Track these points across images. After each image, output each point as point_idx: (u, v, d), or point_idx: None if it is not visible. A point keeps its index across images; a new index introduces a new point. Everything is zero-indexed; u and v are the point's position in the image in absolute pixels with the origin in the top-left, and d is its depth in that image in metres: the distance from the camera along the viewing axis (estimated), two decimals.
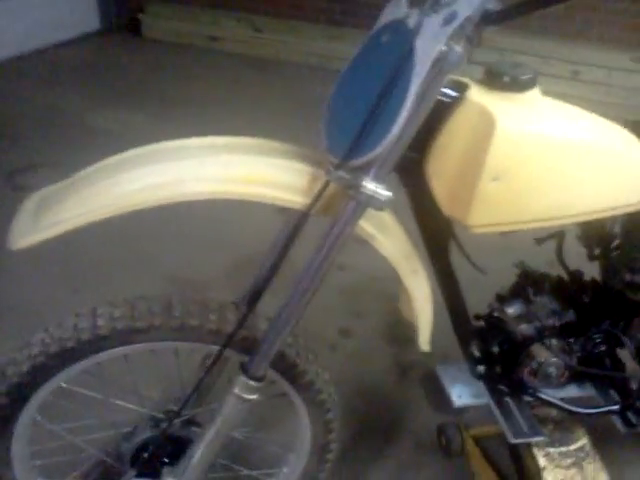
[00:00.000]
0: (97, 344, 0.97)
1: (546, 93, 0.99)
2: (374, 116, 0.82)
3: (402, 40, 0.83)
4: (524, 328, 1.21)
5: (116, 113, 3.50)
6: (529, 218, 0.95)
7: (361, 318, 2.08)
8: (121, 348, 0.99)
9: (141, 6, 4.72)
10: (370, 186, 0.83)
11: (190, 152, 0.88)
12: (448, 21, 0.76)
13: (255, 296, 1.13)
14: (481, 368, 1.24)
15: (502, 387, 1.26)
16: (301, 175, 0.91)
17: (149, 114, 3.47)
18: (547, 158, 0.91)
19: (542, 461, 1.25)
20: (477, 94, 0.90)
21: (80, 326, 0.96)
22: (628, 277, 1.14)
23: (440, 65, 0.78)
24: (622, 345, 1.20)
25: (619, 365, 1.26)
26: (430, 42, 0.78)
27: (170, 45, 4.63)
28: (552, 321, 1.21)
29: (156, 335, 0.99)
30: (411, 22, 0.83)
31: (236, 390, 0.98)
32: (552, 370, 1.17)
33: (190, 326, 0.99)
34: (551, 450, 1.28)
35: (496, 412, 1.24)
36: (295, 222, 0.91)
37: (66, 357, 0.96)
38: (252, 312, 1.00)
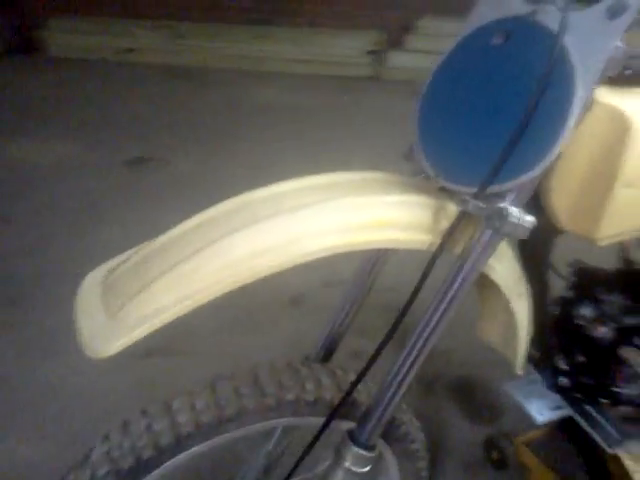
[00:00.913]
0: (179, 446, 0.78)
1: None
2: (519, 133, 0.68)
3: (535, 41, 0.71)
4: (606, 331, 1.13)
5: (28, 142, 3.15)
6: None
7: (366, 337, 1.96)
8: (206, 443, 0.80)
9: (42, 22, 4.31)
10: (515, 213, 0.70)
11: (291, 200, 0.71)
12: (616, 14, 0.64)
13: (330, 351, 0.99)
14: (564, 380, 1.15)
15: (580, 395, 1.18)
16: (426, 210, 0.76)
17: (67, 141, 3.15)
18: None
19: (630, 464, 1.18)
20: (599, 93, 0.78)
21: (155, 428, 0.77)
22: None
23: (612, 65, 0.66)
24: None
25: None
26: (592, 40, 0.66)
27: (79, 62, 4.27)
28: (630, 319, 1.14)
29: (248, 420, 0.81)
30: (545, 18, 0.71)
31: (347, 463, 0.83)
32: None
33: (286, 402, 0.83)
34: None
35: (583, 423, 1.16)
36: (427, 264, 0.76)
37: (140, 469, 0.77)
38: (363, 376, 0.84)
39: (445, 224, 0.75)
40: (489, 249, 0.74)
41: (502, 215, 0.70)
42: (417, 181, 0.82)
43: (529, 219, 0.71)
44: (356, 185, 0.78)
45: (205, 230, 0.69)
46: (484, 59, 0.77)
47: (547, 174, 0.81)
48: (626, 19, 0.64)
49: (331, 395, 0.86)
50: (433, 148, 0.80)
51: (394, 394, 0.82)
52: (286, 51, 3.95)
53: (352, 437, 0.84)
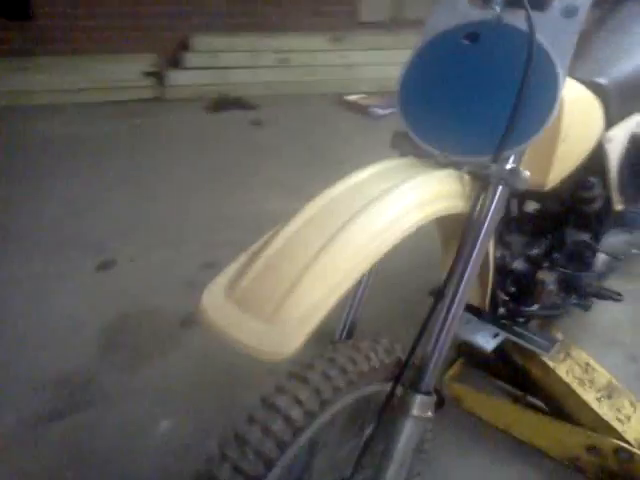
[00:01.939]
0: (295, 437, 0.81)
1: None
2: (517, 110, 0.89)
3: (508, 39, 0.92)
4: (520, 263, 1.41)
5: None
6: None
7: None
8: (311, 429, 0.84)
9: None
10: (519, 169, 0.91)
11: (371, 189, 0.82)
12: (571, 13, 0.87)
13: (351, 330, 1.09)
14: (502, 309, 1.40)
15: (516, 319, 1.44)
16: (452, 181, 0.93)
17: None
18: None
19: (550, 363, 1.48)
20: None
21: (274, 428, 0.79)
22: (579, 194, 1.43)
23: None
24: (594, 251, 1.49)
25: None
26: (556, 35, 0.89)
27: None
28: (533, 250, 1.44)
29: (340, 397, 0.88)
30: (514, 21, 0.93)
31: (415, 412, 0.94)
32: (554, 287, 1.40)
33: (362, 374, 0.91)
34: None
35: (519, 341, 1.42)
36: (466, 227, 0.92)
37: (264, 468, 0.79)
38: (417, 343, 0.96)
39: (464, 189, 0.92)
40: (502, 201, 0.93)
41: (515, 173, 0.90)
42: (421, 161, 0.98)
43: (527, 173, 0.92)
44: (401, 169, 0.91)
45: (317, 226, 0.77)
46: (460, 56, 0.97)
47: None
48: (580, 18, 0.88)
49: (382, 363, 0.96)
50: (429, 133, 0.96)
51: (443, 343, 0.95)
52: (54, 82, 3.69)
53: (415, 388, 0.95)
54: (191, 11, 3.97)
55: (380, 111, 3.80)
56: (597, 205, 1.43)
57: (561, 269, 1.40)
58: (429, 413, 0.97)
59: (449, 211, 0.89)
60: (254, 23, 4.01)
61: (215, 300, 0.74)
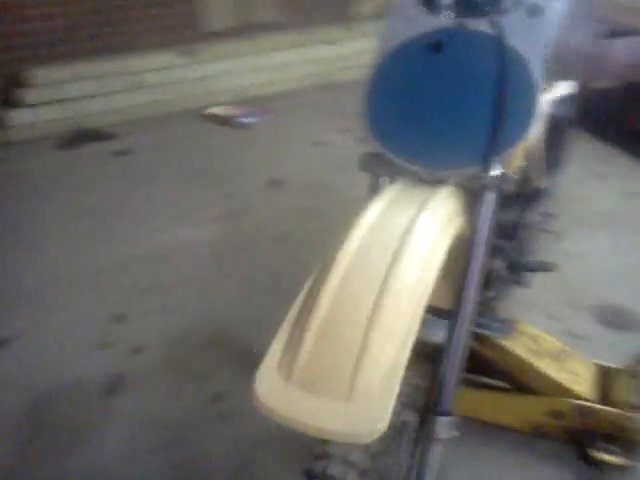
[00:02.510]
0: None
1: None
2: (501, 115, 0.87)
3: (475, 44, 0.90)
4: None
5: None
6: None
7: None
8: None
9: None
10: (507, 174, 0.90)
11: (392, 227, 0.81)
12: (535, 12, 0.86)
13: None
14: None
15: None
16: (455, 196, 0.90)
17: None
18: None
19: (506, 343, 1.52)
20: None
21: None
22: None
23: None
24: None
25: None
26: (527, 36, 0.87)
27: None
28: None
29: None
30: (479, 26, 0.91)
31: (438, 434, 0.92)
32: (504, 272, 1.44)
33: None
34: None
35: (481, 330, 1.45)
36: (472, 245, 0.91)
37: None
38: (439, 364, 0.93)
39: (461, 203, 0.90)
40: (495, 207, 0.92)
41: (505, 178, 0.89)
42: (411, 182, 0.93)
43: (514, 176, 0.93)
44: (406, 197, 0.87)
45: (360, 278, 0.71)
46: (425, 67, 0.94)
47: None
48: (549, 19, 0.87)
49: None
50: (406, 150, 0.93)
51: (457, 361, 0.93)
52: None
53: (435, 411, 0.92)
54: (19, 43, 3.60)
55: (245, 120, 3.73)
56: (527, 185, 1.49)
57: (504, 253, 1.44)
58: (453, 432, 0.95)
59: (462, 229, 0.87)
60: (98, 47, 3.73)
61: (272, 387, 0.65)
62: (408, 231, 0.77)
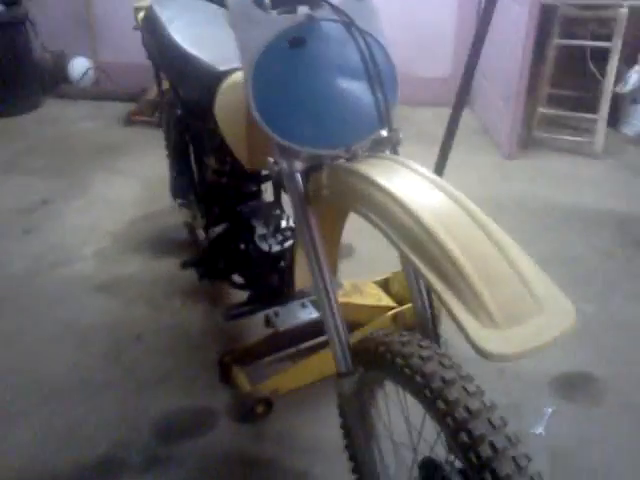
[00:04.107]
0: None
1: None
2: (377, 87, 1.03)
3: (339, 31, 1.01)
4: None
5: None
6: None
7: None
8: None
9: None
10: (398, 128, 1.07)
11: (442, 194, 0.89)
12: None
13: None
14: None
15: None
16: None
17: None
18: None
19: None
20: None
21: None
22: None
23: None
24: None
25: None
26: (362, 17, 1.03)
27: None
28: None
29: None
30: (325, 15, 1.01)
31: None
32: None
33: None
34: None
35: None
36: None
37: None
38: None
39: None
40: None
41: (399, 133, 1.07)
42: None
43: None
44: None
45: (463, 232, 0.82)
46: (299, 62, 1.00)
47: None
48: None
49: None
50: (317, 128, 1.02)
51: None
52: None
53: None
54: None
55: None
56: None
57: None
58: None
59: None
60: None
61: (494, 340, 0.71)
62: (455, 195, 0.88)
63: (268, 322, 1.65)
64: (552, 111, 3.68)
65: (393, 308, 1.84)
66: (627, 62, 3.56)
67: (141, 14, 1.92)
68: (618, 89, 3.52)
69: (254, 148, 1.25)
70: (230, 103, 1.35)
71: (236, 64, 1.46)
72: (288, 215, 1.66)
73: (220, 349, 1.89)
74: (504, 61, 3.38)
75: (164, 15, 1.72)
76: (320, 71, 1.01)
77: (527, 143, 3.57)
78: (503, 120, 3.44)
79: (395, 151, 1.05)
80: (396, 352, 0.93)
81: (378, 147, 1.06)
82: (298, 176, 1.04)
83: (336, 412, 1.22)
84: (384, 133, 1.05)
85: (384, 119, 1.03)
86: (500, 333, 0.72)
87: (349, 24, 1.01)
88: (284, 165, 1.02)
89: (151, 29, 1.75)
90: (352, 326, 1.71)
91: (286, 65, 1.00)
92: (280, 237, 1.60)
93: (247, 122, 1.22)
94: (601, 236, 2.67)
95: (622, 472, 1.54)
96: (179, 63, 1.58)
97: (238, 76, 1.39)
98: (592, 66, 3.61)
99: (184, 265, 1.79)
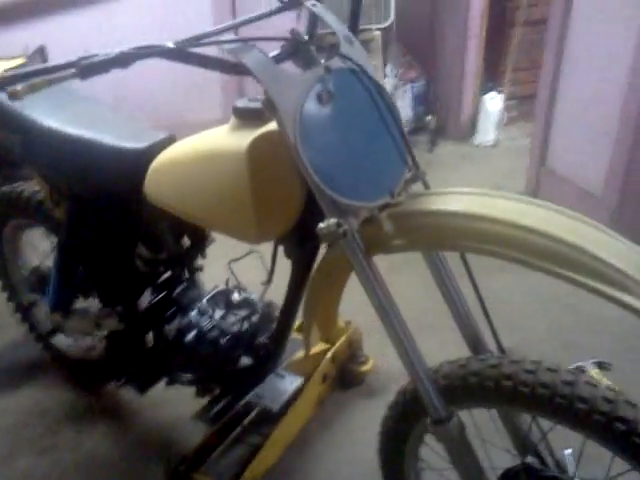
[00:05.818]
0: None
1: None
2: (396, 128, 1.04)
3: (351, 79, 0.99)
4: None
5: None
6: None
7: None
8: None
9: None
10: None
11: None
12: (350, 41, 1.01)
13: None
14: None
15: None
16: None
17: None
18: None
19: None
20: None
21: None
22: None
23: None
24: None
25: None
26: (367, 61, 1.02)
27: None
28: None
29: None
30: (342, 65, 0.98)
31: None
32: None
33: None
34: None
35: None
36: None
37: None
38: None
39: None
40: None
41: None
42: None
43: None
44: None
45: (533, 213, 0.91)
46: (332, 117, 0.97)
47: None
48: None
49: None
50: (356, 184, 0.99)
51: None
52: None
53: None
54: None
55: None
56: None
57: None
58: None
59: None
60: None
61: None
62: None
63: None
64: None
65: (328, 350, 1.82)
66: None
67: None
68: None
69: (265, 218, 1.11)
70: (178, 179, 1.20)
71: (160, 136, 1.30)
72: (228, 288, 1.51)
73: (162, 462, 1.62)
74: None
75: (17, 108, 1.40)
76: (351, 122, 1.00)
77: None
78: None
79: (427, 185, 1.07)
80: (521, 381, 0.96)
81: (407, 185, 1.06)
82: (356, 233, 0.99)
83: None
84: (410, 171, 1.06)
85: (409, 157, 1.05)
86: None
87: (361, 71, 1.01)
88: (346, 226, 0.96)
89: (9, 126, 1.42)
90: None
91: (323, 123, 0.97)
92: (241, 313, 1.44)
93: (253, 193, 1.07)
94: None
95: None
96: (73, 152, 1.34)
97: (174, 148, 1.24)
98: None
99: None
